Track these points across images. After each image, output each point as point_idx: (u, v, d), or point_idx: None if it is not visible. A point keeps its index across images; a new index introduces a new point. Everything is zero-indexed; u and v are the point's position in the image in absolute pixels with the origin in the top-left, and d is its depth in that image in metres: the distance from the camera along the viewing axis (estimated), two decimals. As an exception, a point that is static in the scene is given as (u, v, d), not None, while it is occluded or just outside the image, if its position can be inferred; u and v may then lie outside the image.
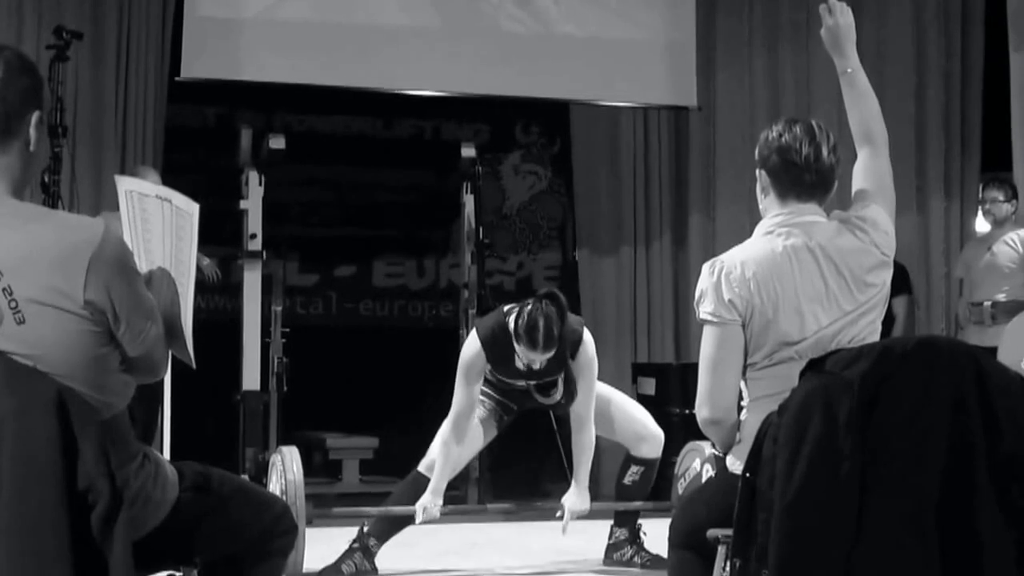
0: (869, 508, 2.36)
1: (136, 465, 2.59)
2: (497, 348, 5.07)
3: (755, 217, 3.28)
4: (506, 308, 5.17)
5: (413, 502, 5.17)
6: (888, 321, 7.15)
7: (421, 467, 5.30)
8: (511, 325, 4.98)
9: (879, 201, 3.18)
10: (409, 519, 5.19)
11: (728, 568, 2.70)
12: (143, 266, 2.78)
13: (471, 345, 5.12)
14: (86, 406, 2.41)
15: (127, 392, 2.60)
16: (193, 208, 2.78)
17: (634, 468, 5.45)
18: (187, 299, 2.78)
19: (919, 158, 8.94)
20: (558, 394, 5.27)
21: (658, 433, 5.46)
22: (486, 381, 5.26)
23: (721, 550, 2.89)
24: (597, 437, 5.33)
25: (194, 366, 2.79)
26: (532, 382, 5.24)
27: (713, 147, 8.83)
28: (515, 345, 4.97)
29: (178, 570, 2.80)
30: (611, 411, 5.42)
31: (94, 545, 2.33)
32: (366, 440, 8.36)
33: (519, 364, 5.11)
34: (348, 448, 8.16)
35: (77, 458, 2.34)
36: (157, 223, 2.83)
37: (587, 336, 5.18)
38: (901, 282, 7.71)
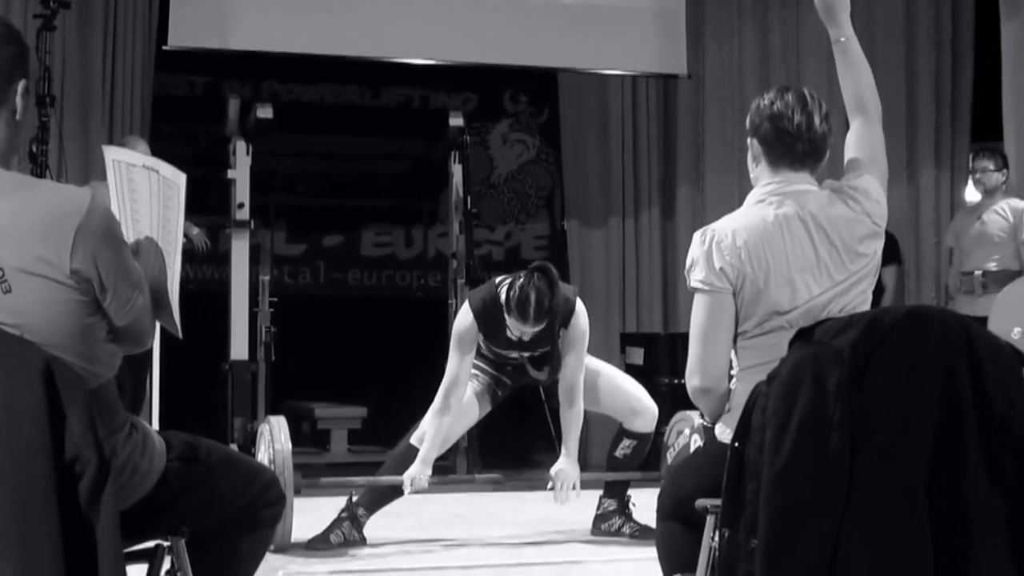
0: (858, 478, 2.33)
1: (124, 435, 2.59)
2: (488, 318, 5.09)
3: (744, 188, 3.26)
4: (497, 280, 5.18)
5: (403, 473, 5.17)
6: (877, 291, 7.11)
7: (412, 439, 5.29)
8: (502, 297, 4.99)
9: (871, 171, 3.16)
10: (398, 490, 5.19)
11: (716, 539, 2.66)
12: (130, 236, 2.77)
13: (463, 316, 5.14)
14: (73, 376, 2.37)
15: (114, 362, 2.59)
16: (180, 178, 2.77)
17: (627, 442, 5.44)
18: (174, 269, 2.77)
19: (909, 128, 8.94)
20: (548, 367, 5.28)
21: (652, 407, 5.46)
22: (481, 355, 5.27)
23: (709, 520, 2.88)
24: (587, 410, 5.34)
25: (181, 336, 2.78)
26: (525, 354, 5.26)
27: (702, 116, 8.81)
28: (505, 317, 4.97)
29: (166, 540, 2.76)
30: (605, 384, 5.41)
31: (81, 515, 2.29)
32: (354, 410, 8.35)
33: (510, 335, 5.11)
34: (336, 418, 8.15)
35: (64, 428, 2.30)
36: (144, 193, 2.82)
37: (580, 307, 5.19)
38: (891, 252, 7.66)
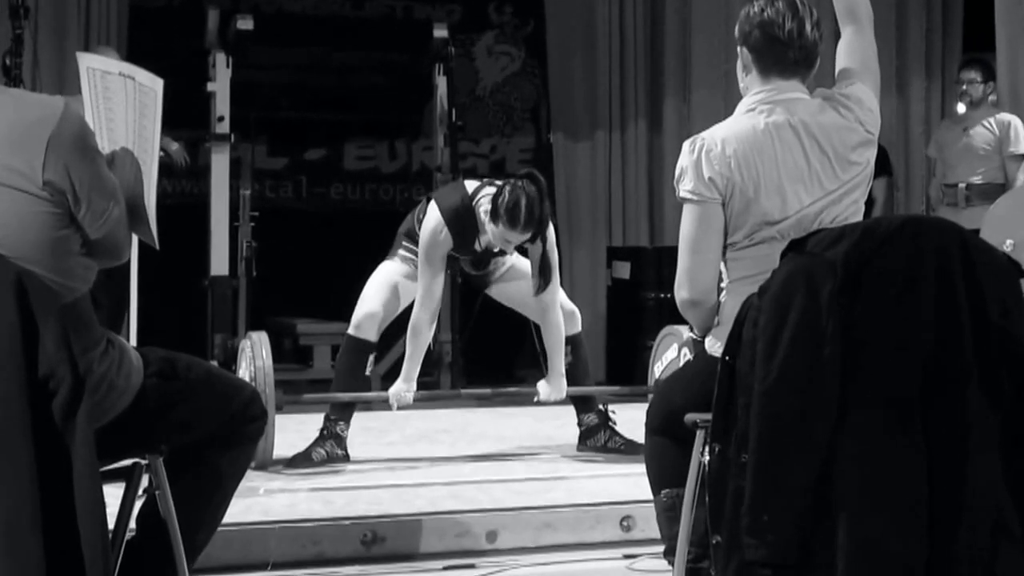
0: (851, 391, 2.32)
1: (99, 351, 2.55)
2: (460, 229, 4.97)
3: (730, 100, 3.23)
4: (469, 186, 5.07)
5: (361, 372, 5.13)
6: (868, 203, 7.10)
7: (351, 329, 5.19)
8: (484, 206, 4.89)
9: (864, 79, 3.14)
10: (362, 384, 5.18)
11: (707, 453, 2.66)
12: (106, 146, 2.73)
13: (435, 227, 4.96)
14: (46, 290, 2.36)
15: (89, 276, 2.57)
16: (157, 84, 2.76)
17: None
18: (150, 179, 2.74)
19: (899, 38, 8.88)
20: (488, 268, 5.26)
21: (571, 308, 5.35)
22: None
23: (699, 435, 2.87)
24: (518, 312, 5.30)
25: (157, 247, 2.77)
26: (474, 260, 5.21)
27: (689, 27, 8.69)
28: (489, 225, 4.86)
29: (143, 458, 2.75)
30: (527, 287, 5.22)
31: (56, 433, 2.29)
32: (337, 325, 8.14)
33: (476, 246, 5.05)
34: (318, 334, 8.06)
35: (37, 344, 2.28)
36: (120, 101, 2.78)
37: (550, 224, 5.09)
38: (881, 164, 7.64)
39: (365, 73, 9.17)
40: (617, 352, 7.98)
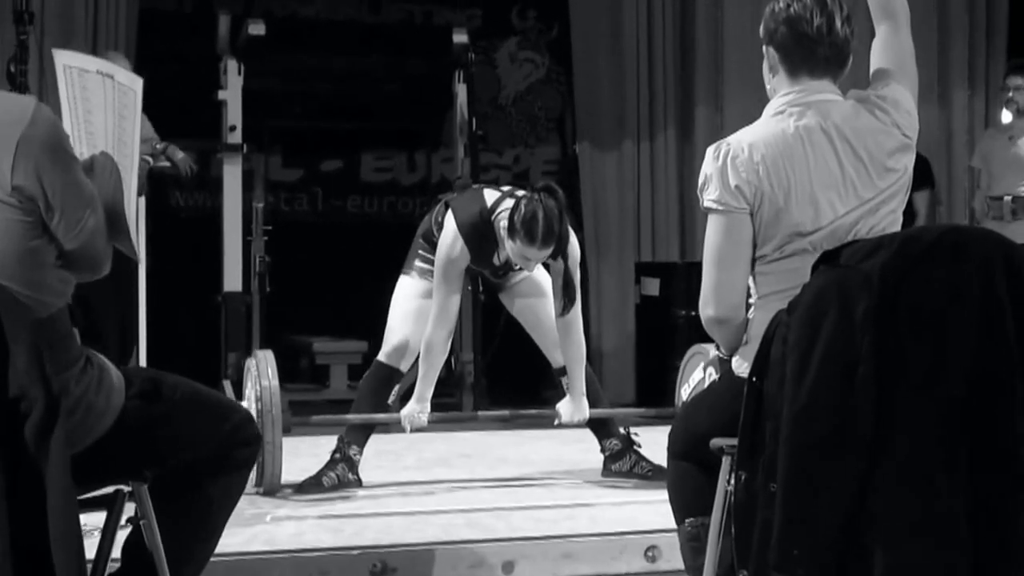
0: (888, 417, 2.22)
1: (77, 370, 2.47)
2: (478, 242, 4.85)
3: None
4: (488, 197, 4.91)
5: (384, 398, 5.04)
6: (910, 216, 6.94)
7: (382, 356, 5.11)
8: (502, 223, 4.75)
9: (901, 80, 3.00)
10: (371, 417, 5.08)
11: (732, 482, 2.55)
12: (84, 151, 2.64)
13: (451, 240, 4.84)
14: (17, 304, 2.29)
15: (66, 290, 2.48)
16: (137, 84, 2.71)
17: (565, 380, 5.21)
18: (130, 187, 2.66)
19: (941, 44, 8.78)
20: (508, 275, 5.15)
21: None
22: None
23: (725, 462, 2.75)
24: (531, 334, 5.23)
25: (139, 260, 2.67)
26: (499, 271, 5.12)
27: (721, 31, 8.59)
28: (508, 241, 4.73)
29: (126, 485, 2.66)
30: (542, 307, 5.15)
31: (28, 458, 2.22)
32: (354, 344, 8.22)
33: (496, 260, 4.94)
34: (335, 352, 8.06)
35: (8, 362, 2.21)
36: (99, 102, 2.71)
37: (574, 236, 4.96)
38: (923, 175, 7.61)
39: (383, 81, 9.10)
40: (646, 372, 7.92)
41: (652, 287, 7.87)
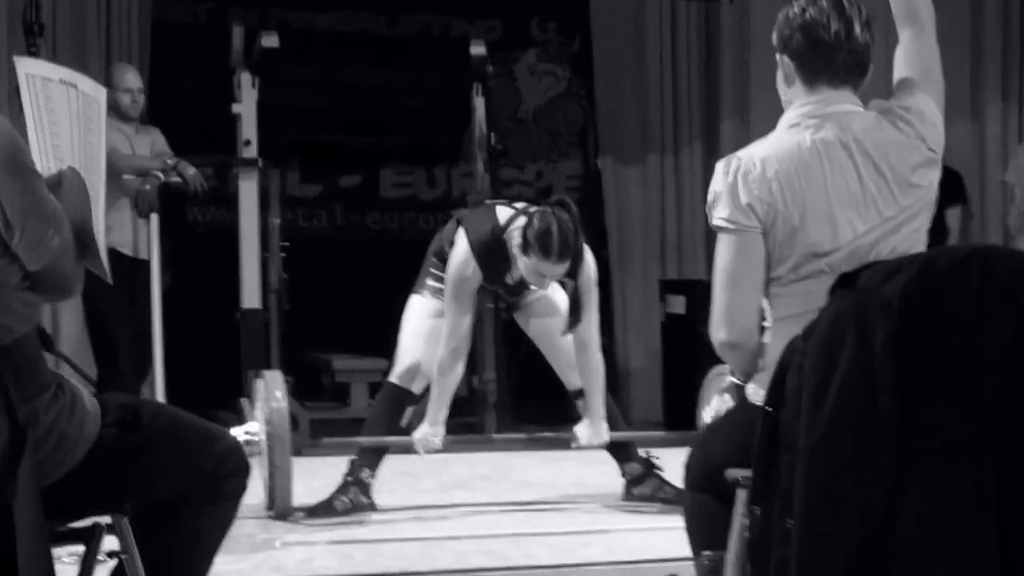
0: (910, 452, 2.11)
1: (47, 398, 2.36)
2: (489, 261, 4.79)
3: None
4: (501, 215, 4.84)
5: (397, 420, 4.98)
6: (942, 234, 6.82)
7: (394, 377, 5.05)
8: (515, 240, 4.67)
9: (926, 89, 2.86)
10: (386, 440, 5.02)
11: (748, 517, 2.42)
12: (51, 165, 2.48)
13: (463, 259, 4.79)
14: None
15: (32, 314, 2.36)
16: (100, 94, 2.60)
17: (582, 403, 5.16)
18: (98, 203, 2.52)
19: (974, 56, 8.66)
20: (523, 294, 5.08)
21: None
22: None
23: (741, 494, 2.63)
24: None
25: (110, 281, 2.56)
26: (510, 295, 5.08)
27: (747, 43, 8.47)
28: (522, 258, 4.66)
29: (105, 518, 2.54)
30: (557, 327, 5.04)
31: None
32: (375, 362, 8.07)
33: (509, 279, 4.88)
34: (356, 370, 7.99)
35: None
36: (64, 113, 2.55)
37: (589, 253, 4.89)
38: (955, 191, 7.47)
39: (401, 94, 9.05)
40: (673, 392, 7.83)
41: (678, 305, 7.76)
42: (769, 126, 8.92)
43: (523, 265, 4.65)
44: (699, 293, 7.67)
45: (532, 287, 4.91)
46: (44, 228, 2.26)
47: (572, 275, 4.74)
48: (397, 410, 4.98)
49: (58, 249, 2.30)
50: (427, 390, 5.05)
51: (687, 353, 7.57)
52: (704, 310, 7.82)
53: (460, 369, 4.91)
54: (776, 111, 9.37)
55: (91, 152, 2.54)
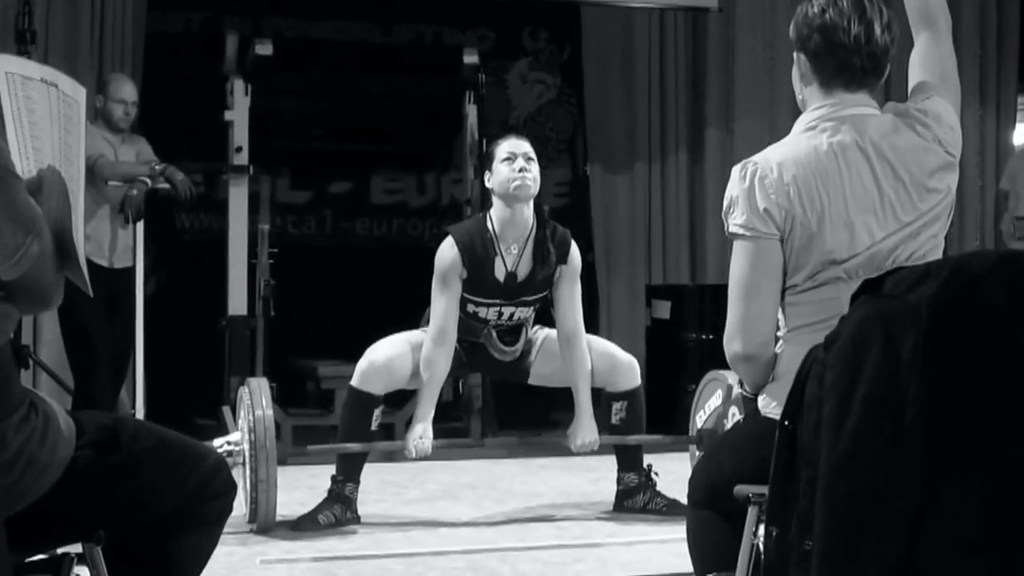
0: (939, 468, 1.99)
1: (17, 419, 2.18)
2: (474, 251, 4.83)
3: (777, 130, 2.88)
4: (482, 215, 5.00)
5: (366, 425, 4.89)
6: None
7: (353, 382, 4.96)
8: (496, 224, 4.85)
9: (943, 93, 2.82)
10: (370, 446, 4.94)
11: (762, 537, 2.35)
12: (32, 167, 2.29)
13: (446, 249, 4.84)
14: None
15: (5, 326, 2.18)
16: (80, 94, 2.43)
17: (617, 404, 5.12)
18: (78, 209, 2.34)
19: None
20: (519, 344, 5.04)
21: (628, 359, 5.12)
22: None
23: (752, 512, 2.54)
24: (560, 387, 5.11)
25: (91, 293, 2.35)
26: (505, 313, 4.97)
27: (733, 53, 8.48)
28: (497, 165, 4.83)
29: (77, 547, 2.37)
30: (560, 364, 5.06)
31: None
32: None
33: (498, 274, 4.86)
34: (342, 377, 7.69)
35: None
36: (44, 114, 2.37)
37: (574, 244, 4.97)
38: None
39: (392, 102, 8.95)
40: (657, 397, 7.66)
41: (663, 310, 7.77)
42: (752, 134, 9.02)
43: (497, 172, 4.81)
44: (684, 298, 7.78)
45: (526, 338, 4.99)
46: (22, 234, 2.09)
47: (562, 259, 4.83)
48: (364, 417, 4.88)
49: (36, 257, 2.12)
50: (394, 392, 5.02)
51: (672, 357, 7.64)
52: (689, 315, 7.87)
53: (445, 363, 4.86)
54: (758, 120, 9.46)
55: (71, 156, 2.38)
